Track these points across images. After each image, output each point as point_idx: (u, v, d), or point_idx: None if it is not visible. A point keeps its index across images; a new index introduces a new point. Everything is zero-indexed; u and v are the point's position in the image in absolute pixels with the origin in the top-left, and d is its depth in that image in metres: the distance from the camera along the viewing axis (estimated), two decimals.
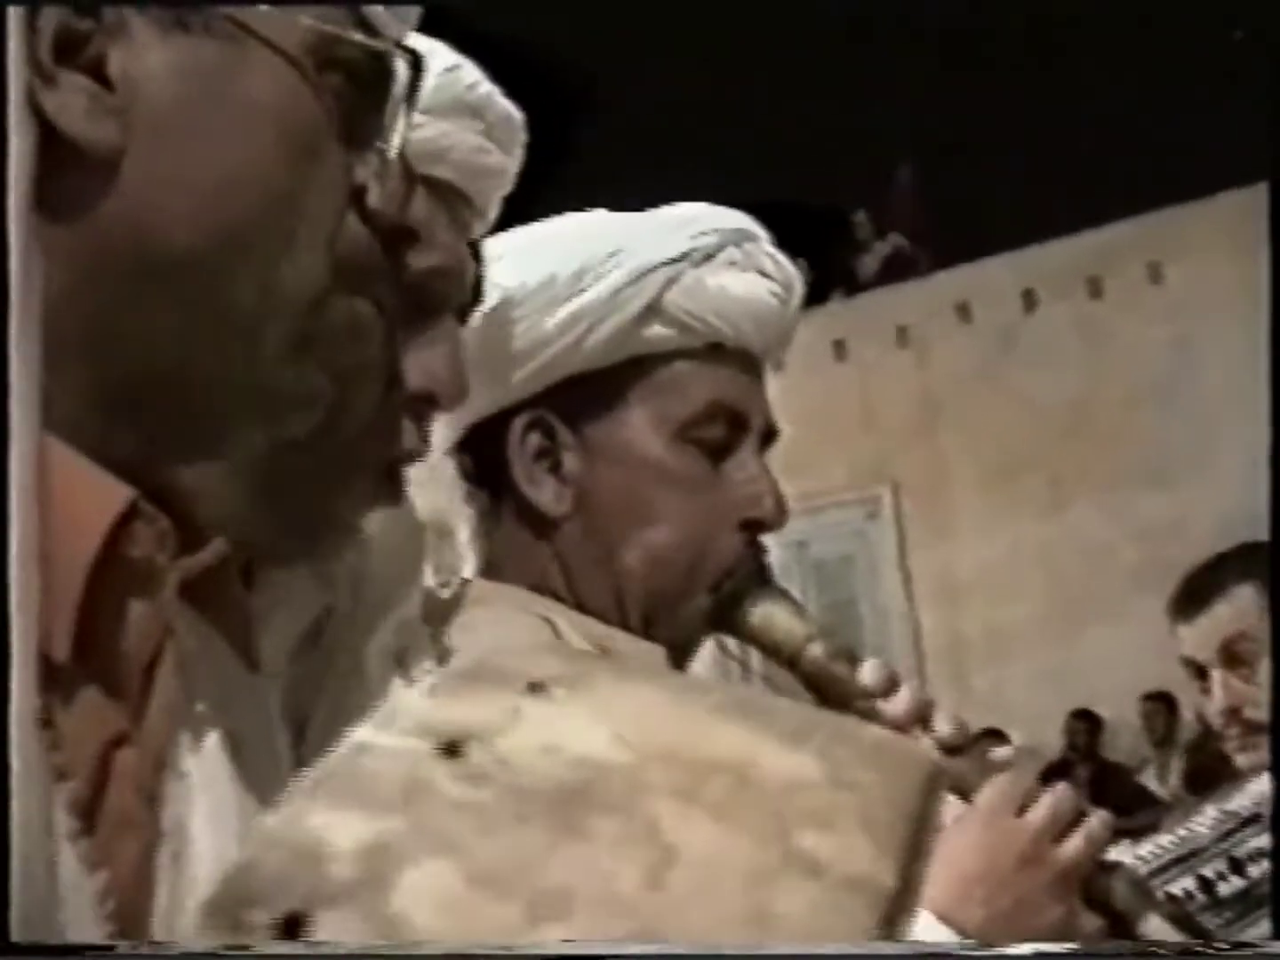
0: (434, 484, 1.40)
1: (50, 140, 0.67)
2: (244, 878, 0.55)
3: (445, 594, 1.33)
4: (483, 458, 1.37)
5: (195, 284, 0.71)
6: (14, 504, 0.63)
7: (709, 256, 1.35)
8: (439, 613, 1.27)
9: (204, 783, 0.73)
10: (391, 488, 1.05)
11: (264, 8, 0.72)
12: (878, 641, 10.41)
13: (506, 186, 1.21)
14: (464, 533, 1.40)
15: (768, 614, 1.35)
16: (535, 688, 0.62)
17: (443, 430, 1.36)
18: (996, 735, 7.86)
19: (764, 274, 1.38)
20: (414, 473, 1.47)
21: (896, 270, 11.60)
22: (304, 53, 0.73)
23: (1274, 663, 1.17)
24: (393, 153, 0.78)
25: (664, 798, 0.59)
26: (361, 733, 0.60)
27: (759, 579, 1.37)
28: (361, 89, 0.76)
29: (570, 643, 1.27)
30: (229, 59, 0.72)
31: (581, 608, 1.34)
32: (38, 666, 0.62)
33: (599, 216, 1.39)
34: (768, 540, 1.40)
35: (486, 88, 1.15)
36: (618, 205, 1.41)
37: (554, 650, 0.66)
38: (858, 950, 0.58)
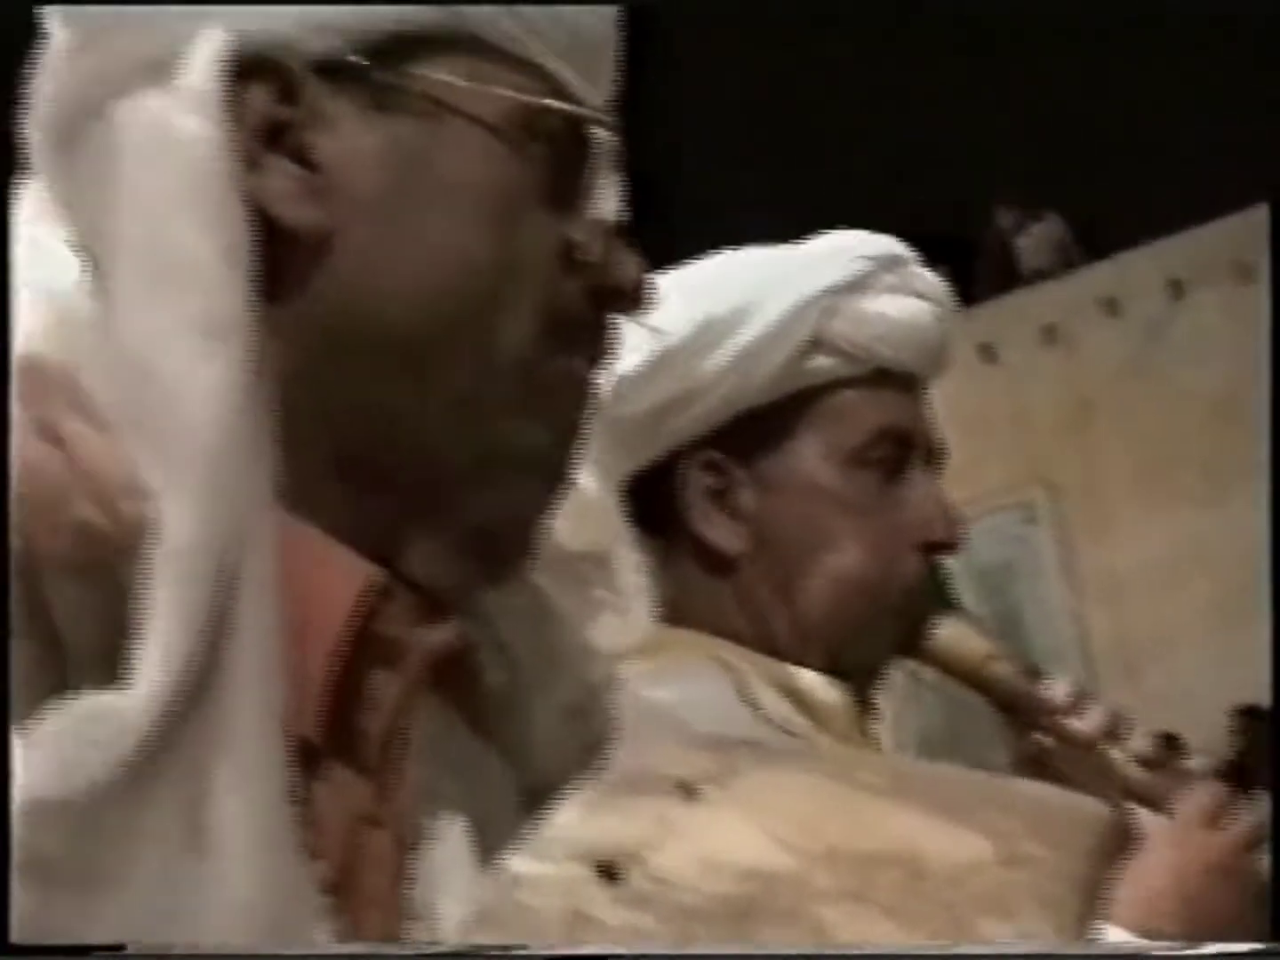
0: (593, 520, 1.38)
1: (263, 225, 0.69)
2: None
3: (625, 642, 1.32)
4: (654, 502, 1.37)
5: (412, 357, 0.72)
6: (256, 584, 0.64)
7: (865, 283, 1.35)
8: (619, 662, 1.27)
9: (449, 863, 0.74)
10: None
11: (463, 83, 0.73)
12: (1045, 645, 10.26)
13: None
14: (635, 576, 1.39)
15: (950, 635, 1.36)
16: (685, 789, 0.61)
17: (606, 471, 1.37)
18: (1170, 738, 7.72)
19: (919, 295, 1.38)
20: (571, 508, 1.46)
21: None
22: (504, 123, 0.74)
23: (1274, 667, 1.16)
24: (599, 212, 0.79)
25: (833, 901, 0.57)
26: (518, 862, 0.60)
27: (939, 600, 1.37)
28: (563, 154, 0.76)
29: (752, 688, 1.28)
30: (429, 135, 0.73)
31: (764, 647, 1.34)
32: (289, 744, 0.64)
33: (752, 253, 1.39)
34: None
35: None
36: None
37: (700, 743, 0.65)
38: (860, 951, 0.58)
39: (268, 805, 0.62)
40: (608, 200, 0.80)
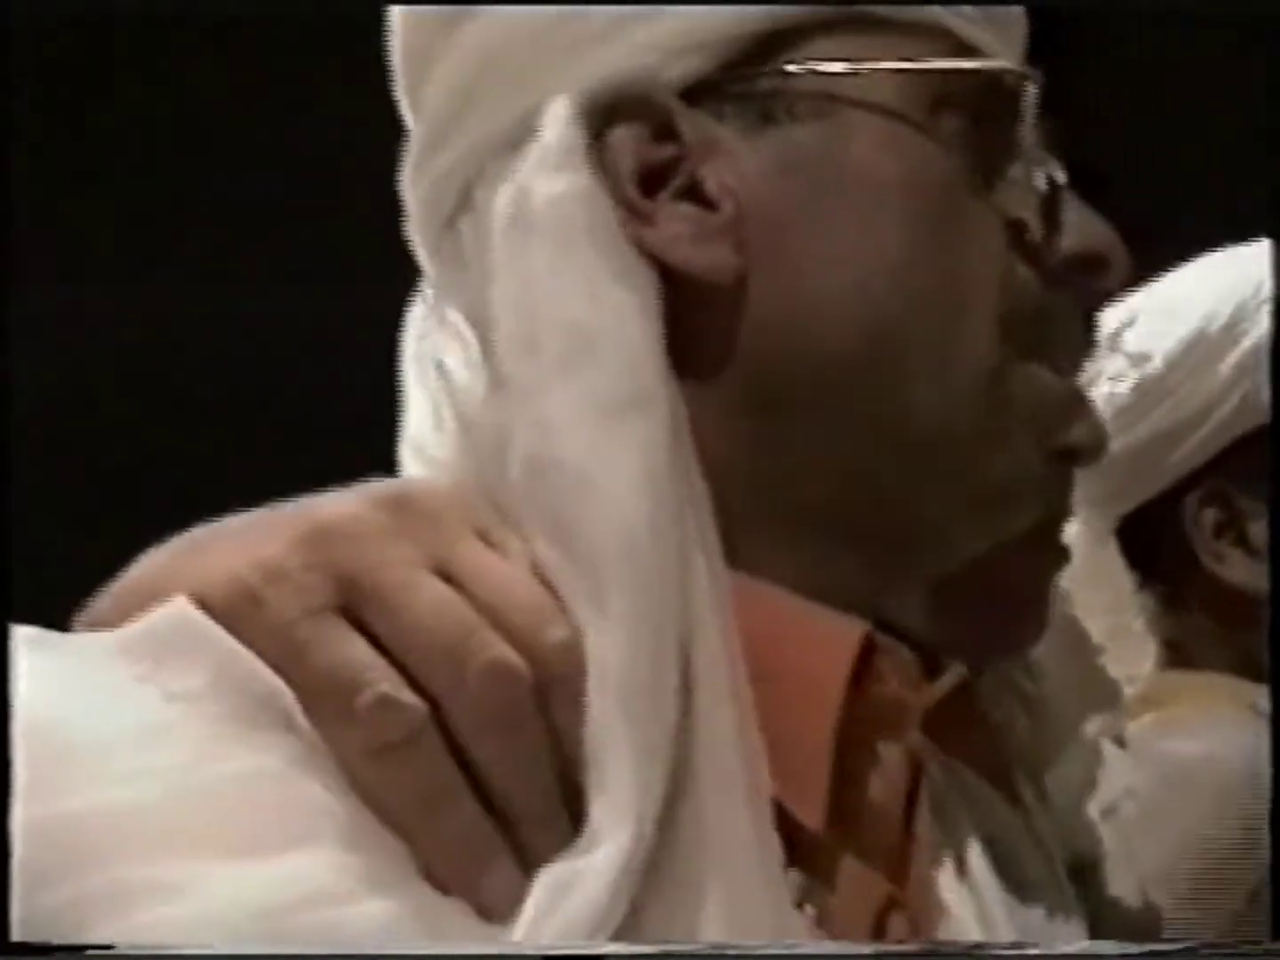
0: (1095, 567, 1.29)
1: (665, 279, 0.62)
2: None
3: (1130, 691, 1.23)
4: (1153, 542, 1.29)
5: (863, 394, 0.63)
6: (719, 680, 0.56)
7: None
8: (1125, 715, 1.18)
9: (974, 918, 0.66)
10: None
11: (854, 68, 0.64)
12: None
13: None
14: (1137, 622, 1.29)
15: None
16: None
17: (1103, 515, 1.29)
18: None
19: None
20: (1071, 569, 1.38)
21: None
22: (908, 103, 0.65)
23: (1273, 653, 1.03)
24: (1039, 179, 0.67)
25: None
26: None
27: None
28: (985, 120, 0.66)
29: None
30: (828, 137, 0.64)
31: None
32: (786, 842, 0.56)
33: (1232, 256, 1.28)
34: None
35: None
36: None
37: None
38: (864, 950, 0.57)
39: (772, 921, 0.55)
40: (1042, 160, 0.68)
